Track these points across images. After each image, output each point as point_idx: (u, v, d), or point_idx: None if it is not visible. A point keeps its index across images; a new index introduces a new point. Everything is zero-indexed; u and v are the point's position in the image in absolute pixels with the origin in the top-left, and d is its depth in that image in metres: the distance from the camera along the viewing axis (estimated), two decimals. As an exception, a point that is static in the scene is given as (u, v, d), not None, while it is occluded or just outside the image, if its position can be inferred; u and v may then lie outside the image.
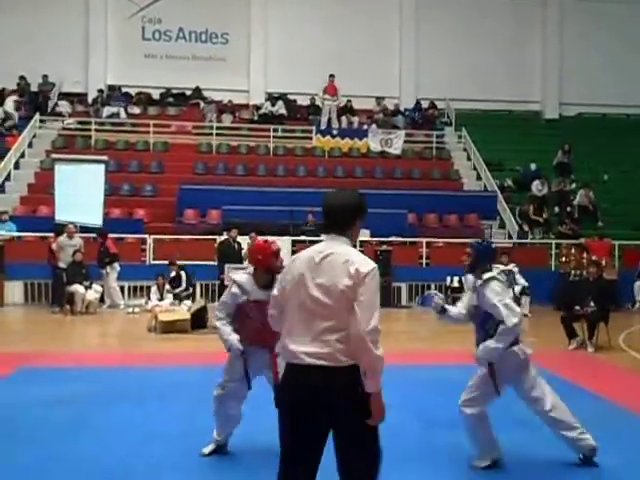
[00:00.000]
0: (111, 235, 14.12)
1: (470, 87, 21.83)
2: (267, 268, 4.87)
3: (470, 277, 5.12)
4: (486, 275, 4.86)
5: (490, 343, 4.70)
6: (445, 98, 21.93)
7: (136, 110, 20.58)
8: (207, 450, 4.98)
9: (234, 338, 4.88)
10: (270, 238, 5.46)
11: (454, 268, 14.71)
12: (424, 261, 16.00)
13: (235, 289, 4.93)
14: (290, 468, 3.10)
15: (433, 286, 15.35)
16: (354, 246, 3.24)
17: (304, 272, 3.12)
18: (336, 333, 3.04)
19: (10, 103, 19.43)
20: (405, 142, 20.06)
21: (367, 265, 3.08)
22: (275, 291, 3.30)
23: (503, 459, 4.85)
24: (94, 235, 14.32)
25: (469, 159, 20.51)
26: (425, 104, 21.84)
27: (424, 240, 16.08)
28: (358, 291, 3.02)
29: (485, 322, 4.81)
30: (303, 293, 3.10)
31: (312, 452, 3.09)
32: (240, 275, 5.01)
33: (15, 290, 13.93)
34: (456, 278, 14.51)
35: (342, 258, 3.10)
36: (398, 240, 15.99)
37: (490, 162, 19.69)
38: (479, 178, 19.68)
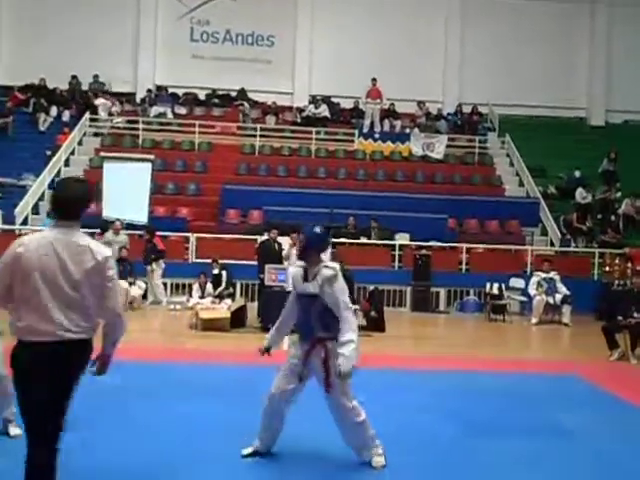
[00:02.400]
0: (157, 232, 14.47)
1: (514, 92, 21.68)
2: None
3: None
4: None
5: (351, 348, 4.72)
6: (488, 103, 21.82)
7: (182, 110, 21.00)
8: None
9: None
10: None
11: (494, 274, 14.73)
12: (464, 267, 15.99)
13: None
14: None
15: (472, 292, 15.37)
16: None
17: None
18: None
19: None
20: (447, 147, 20.04)
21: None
22: None
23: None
24: (141, 232, 14.69)
25: (512, 165, 20.37)
26: (468, 109, 21.77)
27: (464, 245, 16.06)
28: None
29: (323, 313, 4.82)
30: None
31: None
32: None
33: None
34: (496, 285, 14.45)
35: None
36: (438, 245, 16.01)
37: (533, 168, 19.54)
38: (521, 184, 19.54)
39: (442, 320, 14.44)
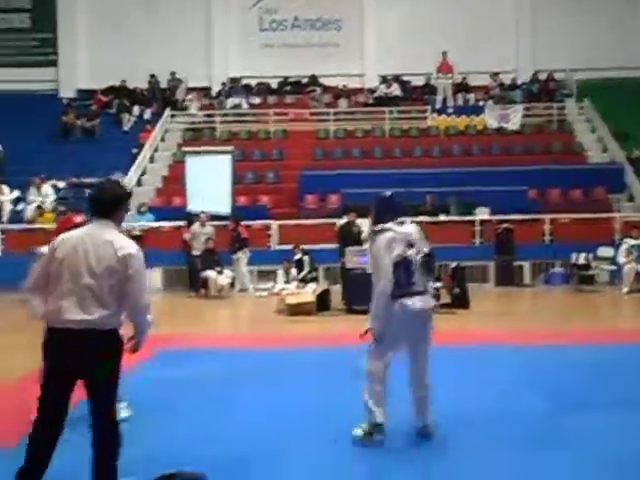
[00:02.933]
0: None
1: (591, 55, 20.78)
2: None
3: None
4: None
5: None
6: (565, 69, 21.13)
7: (257, 100, 21.42)
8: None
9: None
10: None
11: (580, 244, 14.43)
12: (547, 238, 15.72)
13: None
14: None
15: (558, 264, 15.11)
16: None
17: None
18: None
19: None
20: (523, 116, 19.61)
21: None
22: None
23: None
24: (226, 223, 15.18)
25: (593, 131, 19.73)
26: (543, 76, 21.16)
27: (547, 217, 15.77)
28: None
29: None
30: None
31: None
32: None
33: (155, 276, 15.05)
34: (582, 255, 14.15)
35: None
36: (519, 218, 15.77)
37: (616, 133, 18.86)
38: (605, 150, 18.93)
39: (528, 294, 14.30)
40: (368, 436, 4.88)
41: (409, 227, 4.97)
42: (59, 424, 3.84)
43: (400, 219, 4.95)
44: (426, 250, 4.96)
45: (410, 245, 4.86)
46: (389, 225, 4.88)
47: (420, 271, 4.87)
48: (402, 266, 4.80)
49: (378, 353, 4.88)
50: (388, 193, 5.15)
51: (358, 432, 4.91)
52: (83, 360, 3.75)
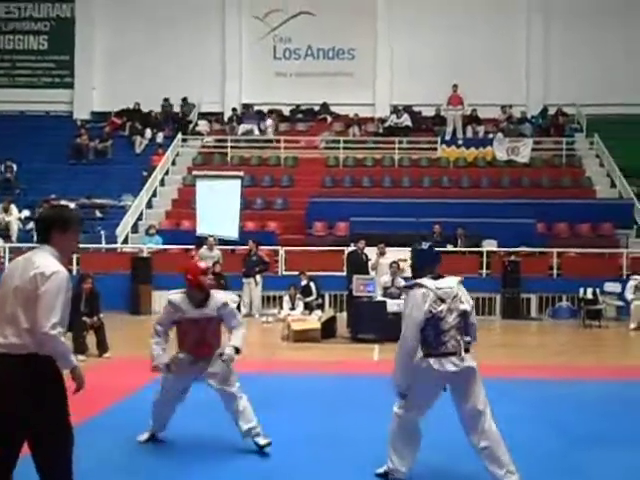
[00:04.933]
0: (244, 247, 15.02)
1: (601, 91, 20.94)
2: (198, 285, 5.33)
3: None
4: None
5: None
6: (575, 103, 21.28)
7: (268, 127, 21.60)
8: (143, 438, 5.57)
9: (161, 357, 5.45)
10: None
11: (587, 279, 14.38)
12: (555, 272, 15.69)
13: (169, 308, 5.43)
14: None
15: (565, 298, 15.06)
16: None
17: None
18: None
19: (270, 122, 21.03)
20: (533, 150, 19.71)
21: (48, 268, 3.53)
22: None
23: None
24: (233, 247, 15.21)
25: (602, 165, 19.79)
26: (553, 110, 21.30)
27: (555, 250, 15.77)
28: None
29: None
30: None
31: None
32: (174, 295, 5.46)
33: (162, 299, 15.03)
34: (590, 290, 14.11)
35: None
36: (527, 250, 15.78)
37: (625, 168, 18.88)
38: (613, 185, 18.96)
39: (534, 327, 14.23)
40: (384, 476, 4.82)
41: (446, 281, 4.65)
42: None
43: (437, 273, 4.68)
44: (464, 307, 4.61)
45: (441, 300, 4.53)
46: (424, 280, 4.61)
47: (456, 330, 4.54)
48: (431, 323, 4.50)
49: (403, 409, 4.68)
50: (426, 245, 4.88)
51: (379, 470, 4.86)
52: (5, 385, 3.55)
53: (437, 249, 4.97)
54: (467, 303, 4.65)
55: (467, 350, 4.59)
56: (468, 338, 4.62)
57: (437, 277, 4.65)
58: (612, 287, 14.57)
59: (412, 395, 4.61)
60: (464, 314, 4.59)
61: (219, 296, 5.49)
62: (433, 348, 4.52)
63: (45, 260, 3.59)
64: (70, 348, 3.60)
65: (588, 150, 20.37)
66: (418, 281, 4.63)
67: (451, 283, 4.64)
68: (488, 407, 4.64)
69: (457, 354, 4.52)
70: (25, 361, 3.48)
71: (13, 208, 17.41)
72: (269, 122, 21.12)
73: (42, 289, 3.48)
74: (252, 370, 8.98)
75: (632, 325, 13.35)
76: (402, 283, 4.82)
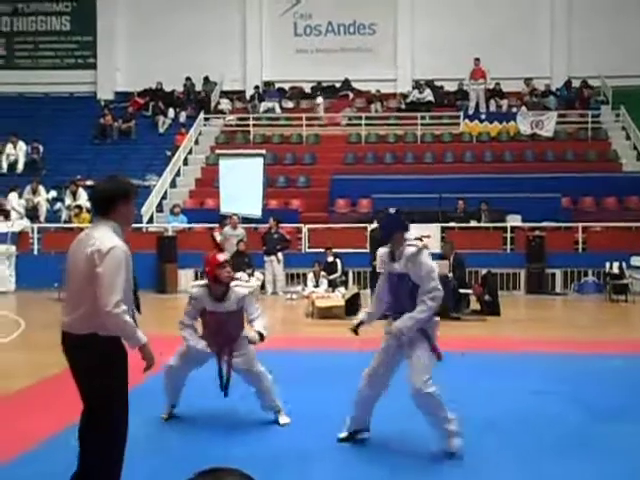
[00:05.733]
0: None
1: (627, 62, 20.49)
2: (215, 279, 5.34)
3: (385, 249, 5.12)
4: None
5: (417, 313, 4.77)
6: (600, 75, 20.92)
7: (290, 104, 21.59)
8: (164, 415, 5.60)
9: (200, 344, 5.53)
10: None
11: (613, 253, 14.27)
12: (580, 246, 15.59)
13: (192, 302, 5.51)
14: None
15: (590, 272, 14.97)
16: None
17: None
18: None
19: (320, 100, 21.00)
20: (557, 123, 19.45)
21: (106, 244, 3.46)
22: None
23: None
24: (256, 225, 15.31)
25: (628, 138, 19.49)
26: (577, 83, 20.96)
27: (580, 225, 15.64)
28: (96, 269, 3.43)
29: (414, 291, 4.84)
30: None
31: None
32: (196, 289, 5.53)
33: (187, 277, 15.27)
34: (616, 264, 13.99)
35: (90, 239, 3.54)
36: (552, 225, 15.68)
37: (652, 140, 18.61)
38: (640, 158, 18.71)
39: (560, 302, 14.19)
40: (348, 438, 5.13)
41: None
42: None
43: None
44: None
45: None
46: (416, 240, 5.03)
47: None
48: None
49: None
50: (392, 211, 5.22)
51: (342, 434, 5.14)
52: (70, 364, 3.63)
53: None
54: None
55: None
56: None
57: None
58: (638, 261, 14.44)
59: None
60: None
61: (239, 290, 5.48)
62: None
63: (103, 235, 3.51)
64: (135, 325, 3.55)
65: (614, 123, 20.07)
66: (420, 244, 4.92)
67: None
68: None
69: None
70: (84, 341, 3.49)
71: (41, 189, 17.68)
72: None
73: (100, 267, 3.41)
74: (276, 346, 9.12)
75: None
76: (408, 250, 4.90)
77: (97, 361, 3.49)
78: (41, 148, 19.49)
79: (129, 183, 3.88)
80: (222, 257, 5.50)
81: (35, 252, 16.18)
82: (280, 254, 14.57)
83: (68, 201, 17.16)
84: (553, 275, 15.06)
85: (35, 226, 16.46)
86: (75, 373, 3.60)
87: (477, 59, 20.24)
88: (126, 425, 3.63)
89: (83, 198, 17.02)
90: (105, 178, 3.88)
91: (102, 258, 3.42)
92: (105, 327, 3.46)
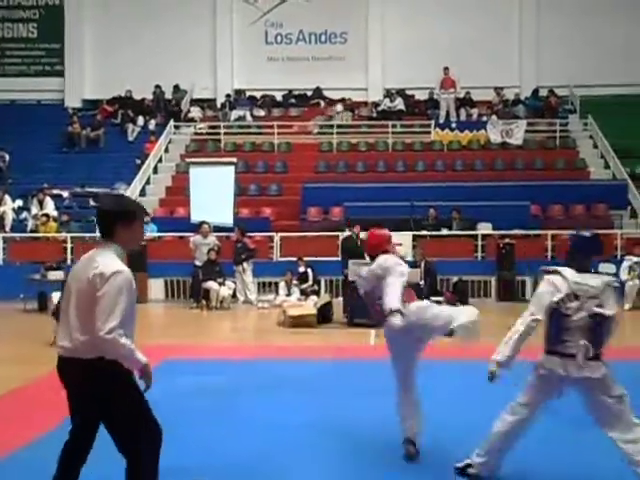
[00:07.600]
0: (241, 233, 14.96)
1: (594, 72, 20.85)
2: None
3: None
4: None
5: None
6: (568, 84, 21.24)
7: (261, 112, 21.52)
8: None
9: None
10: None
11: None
12: (549, 254, 15.72)
13: None
14: None
15: (559, 279, 15.09)
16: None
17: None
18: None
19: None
20: (526, 132, 19.67)
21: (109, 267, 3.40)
22: None
23: None
24: (228, 234, 15.17)
25: (595, 147, 19.78)
26: (546, 92, 21.23)
27: (549, 232, 15.79)
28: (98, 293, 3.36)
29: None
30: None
31: None
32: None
33: (157, 287, 15.06)
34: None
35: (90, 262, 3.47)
36: (521, 233, 15.80)
37: (619, 149, 18.86)
38: (607, 166, 18.96)
39: (529, 309, 14.26)
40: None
41: (589, 277, 4.27)
42: None
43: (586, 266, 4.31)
44: (600, 310, 4.22)
45: (575, 297, 4.22)
46: (565, 270, 4.30)
47: (581, 332, 4.23)
48: (554, 317, 4.28)
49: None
50: (590, 234, 4.53)
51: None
52: (73, 390, 3.54)
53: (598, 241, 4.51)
54: (609, 308, 4.25)
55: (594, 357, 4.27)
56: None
57: (583, 270, 4.26)
58: (606, 268, 14.54)
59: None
60: (597, 317, 4.21)
61: None
62: (554, 344, 4.35)
63: (106, 260, 3.45)
64: (133, 348, 3.43)
65: (582, 131, 20.36)
66: (558, 269, 4.33)
67: (594, 282, 4.25)
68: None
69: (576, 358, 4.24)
70: (91, 365, 3.40)
71: (7, 198, 17.32)
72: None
73: (101, 291, 3.35)
74: (248, 356, 9.03)
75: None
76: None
77: (109, 386, 3.42)
78: (7, 156, 19.12)
79: (132, 204, 3.74)
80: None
81: (0, 262, 15.83)
82: (246, 264, 14.39)
83: (35, 210, 16.82)
84: (523, 282, 15.16)
85: (0, 235, 16.10)
86: (82, 401, 3.49)
87: (446, 68, 20.41)
88: (155, 443, 3.57)
89: (50, 207, 16.70)
90: (110, 196, 3.77)
91: (103, 282, 3.37)
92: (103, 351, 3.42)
